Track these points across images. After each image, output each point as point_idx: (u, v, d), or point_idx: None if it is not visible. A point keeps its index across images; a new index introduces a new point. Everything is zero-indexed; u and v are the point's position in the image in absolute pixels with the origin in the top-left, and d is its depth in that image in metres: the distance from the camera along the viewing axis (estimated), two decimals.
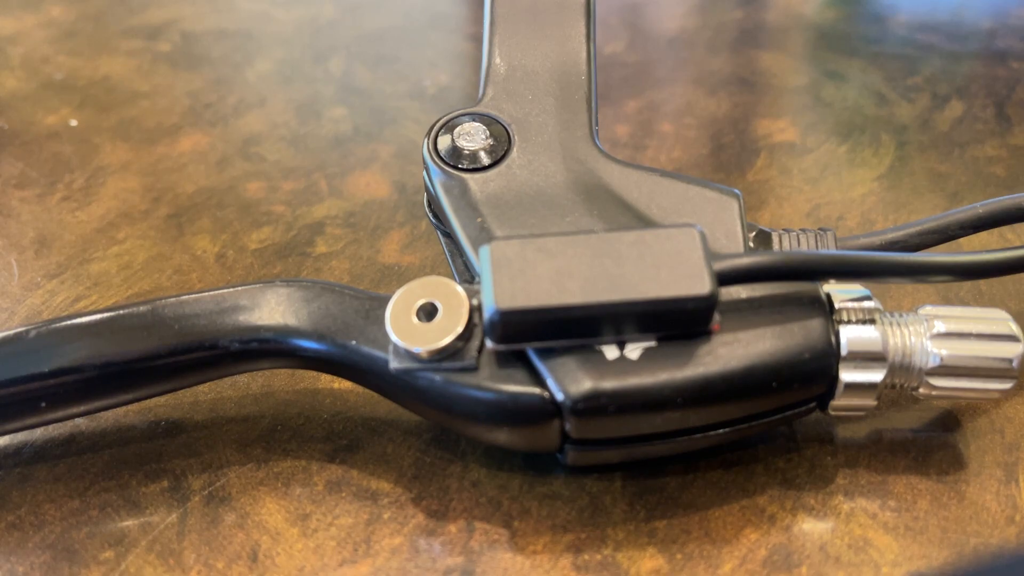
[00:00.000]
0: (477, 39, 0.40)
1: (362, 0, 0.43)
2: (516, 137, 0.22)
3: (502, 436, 0.19)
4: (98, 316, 0.19)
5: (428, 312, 0.19)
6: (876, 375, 0.19)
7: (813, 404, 0.20)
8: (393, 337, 0.18)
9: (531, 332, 0.18)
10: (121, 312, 0.20)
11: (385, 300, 0.19)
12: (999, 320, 0.19)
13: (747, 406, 0.19)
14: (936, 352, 0.19)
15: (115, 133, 0.34)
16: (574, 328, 0.18)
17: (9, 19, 0.42)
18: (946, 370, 0.19)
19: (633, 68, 0.38)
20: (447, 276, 0.20)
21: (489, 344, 0.18)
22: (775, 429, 0.21)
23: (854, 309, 0.19)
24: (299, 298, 0.20)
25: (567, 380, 0.18)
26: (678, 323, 0.18)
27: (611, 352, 0.18)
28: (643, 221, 0.21)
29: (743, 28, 0.41)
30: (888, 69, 0.37)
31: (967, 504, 0.20)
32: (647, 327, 0.18)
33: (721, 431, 0.19)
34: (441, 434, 0.22)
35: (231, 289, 0.20)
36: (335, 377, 0.22)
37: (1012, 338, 0.19)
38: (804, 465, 0.21)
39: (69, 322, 0.19)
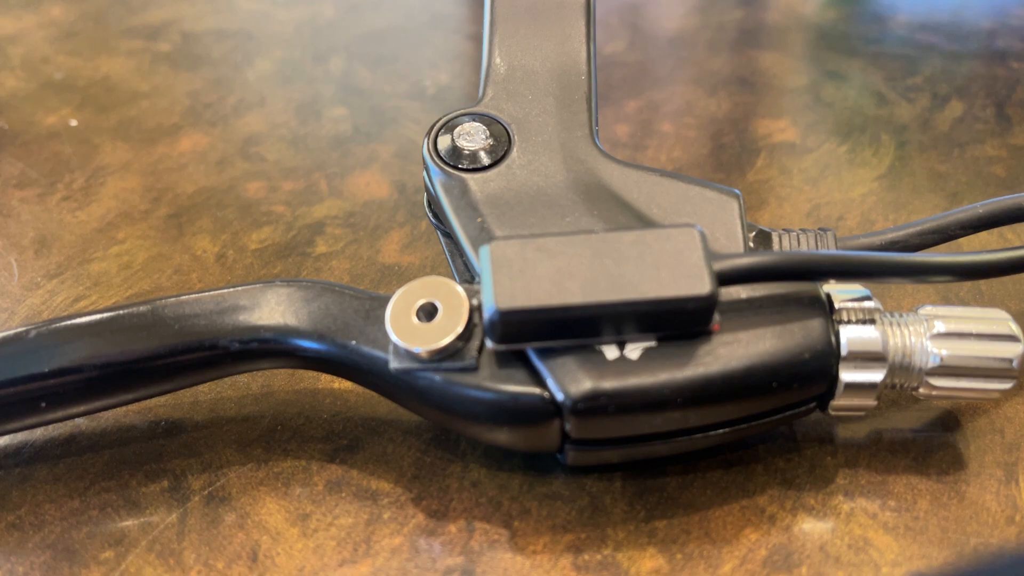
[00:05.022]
0: (477, 39, 0.40)
1: (362, 0, 0.43)
2: (516, 137, 0.22)
3: (502, 436, 0.19)
4: (98, 316, 0.19)
5: (428, 312, 0.19)
6: (876, 375, 0.19)
7: (813, 404, 0.20)
8: (393, 337, 0.18)
9: (531, 332, 0.18)
10: (121, 312, 0.20)
11: (385, 300, 0.19)
12: (999, 320, 0.19)
13: (747, 406, 0.19)
14: (936, 352, 0.19)
15: (115, 133, 0.34)
16: (574, 328, 0.18)
17: (9, 19, 0.42)
18: (946, 370, 0.19)
19: (633, 68, 0.38)
20: (447, 276, 0.20)
21: (489, 344, 0.18)
22: (775, 429, 0.21)
23: (854, 309, 0.19)
24: (299, 298, 0.20)
25: (567, 380, 0.18)
26: (678, 323, 0.18)
27: (611, 352, 0.18)
28: (643, 221, 0.21)
29: (743, 28, 0.41)
30: (888, 69, 0.37)
31: (967, 504, 0.20)
32: (647, 327, 0.18)
33: (721, 431, 0.19)
34: (441, 434, 0.22)
35: (231, 289, 0.20)
36: (335, 377, 0.22)
37: (1012, 338, 0.19)
38: (804, 465, 0.21)
39: (69, 322, 0.19)
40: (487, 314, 0.18)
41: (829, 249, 0.21)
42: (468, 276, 0.21)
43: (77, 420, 0.22)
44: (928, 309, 0.20)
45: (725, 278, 0.18)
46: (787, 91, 0.36)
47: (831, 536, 0.19)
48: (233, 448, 0.21)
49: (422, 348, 0.18)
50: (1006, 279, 0.26)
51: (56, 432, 0.22)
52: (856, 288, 0.20)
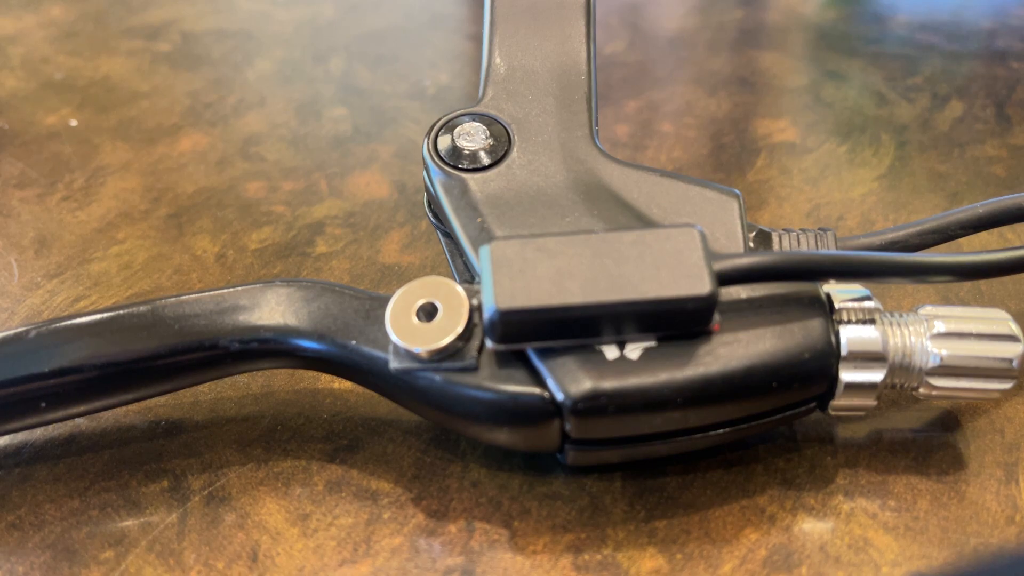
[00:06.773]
0: (477, 39, 0.40)
1: (362, 0, 0.43)
2: (516, 137, 0.22)
3: (502, 436, 0.19)
4: (98, 316, 0.19)
5: (428, 312, 0.19)
6: (876, 375, 0.19)
7: (813, 404, 0.20)
8: (393, 337, 0.18)
9: (531, 332, 0.18)
10: (121, 312, 0.20)
11: (385, 300, 0.19)
12: (999, 320, 0.19)
13: (747, 406, 0.19)
14: (936, 352, 0.19)
15: (115, 133, 0.34)
16: (574, 328, 0.18)
17: (9, 19, 0.42)
18: (946, 370, 0.19)
19: (633, 68, 0.38)
20: (447, 276, 0.20)
21: (489, 344, 0.18)
22: (775, 429, 0.21)
23: (854, 309, 0.19)
24: (299, 298, 0.20)
25: (567, 380, 0.18)
26: (678, 323, 0.18)
27: (611, 352, 0.18)
28: (643, 221, 0.21)
29: (743, 28, 0.41)
30: (888, 69, 0.37)
31: (967, 504, 0.20)
32: (647, 327, 0.18)
33: (721, 431, 0.19)
34: (441, 434, 0.22)
35: (231, 289, 0.20)
36: (335, 377, 0.22)
37: (1012, 338, 0.19)
38: (804, 465, 0.21)
39: (69, 322, 0.19)
40: (487, 314, 0.18)
41: (829, 249, 0.21)
42: (468, 276, 0.21)
43: (77, 420, 0.22)
44: (928, 309, 0.20)
45: (725, 278, 0.18)
46: (787, 91, 0.36)
47: (831, 536, 0.19)
48: (233, 448, 0.21)
49: (422, 348, 0.18)
50: (1006, 279, 0.26)
51: (56, 432, 0.22)
52: (856, 288, 0.20)
